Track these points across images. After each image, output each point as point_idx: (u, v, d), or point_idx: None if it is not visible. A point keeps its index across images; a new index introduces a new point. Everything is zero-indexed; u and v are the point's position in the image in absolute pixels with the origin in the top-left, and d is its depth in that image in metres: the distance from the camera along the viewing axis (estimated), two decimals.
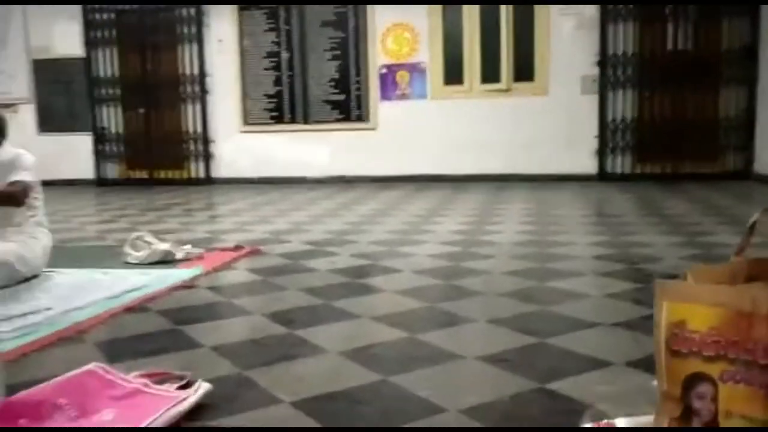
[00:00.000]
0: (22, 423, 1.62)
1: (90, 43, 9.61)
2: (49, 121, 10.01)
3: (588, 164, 8.03)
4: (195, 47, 9.27)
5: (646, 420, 1.45)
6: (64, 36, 9.76)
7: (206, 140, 9.33)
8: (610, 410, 1.66)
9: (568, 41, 7.99)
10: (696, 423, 1.29)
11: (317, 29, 8.80)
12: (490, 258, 3.77)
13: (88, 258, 3.99)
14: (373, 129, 8.72)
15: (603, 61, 7.88)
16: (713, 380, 1.27)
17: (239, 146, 9.23)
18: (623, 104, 7.95)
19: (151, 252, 3.87)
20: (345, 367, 2.13)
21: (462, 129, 8.36)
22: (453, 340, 2.35)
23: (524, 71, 8.14)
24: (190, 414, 1.77)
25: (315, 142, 8.89)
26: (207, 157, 9.35)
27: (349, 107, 8.79)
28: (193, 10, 9.19)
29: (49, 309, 2.78)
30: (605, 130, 7.97)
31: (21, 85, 10.15)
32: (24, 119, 10.00)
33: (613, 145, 8.00)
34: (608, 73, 7.91)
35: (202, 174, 9.37)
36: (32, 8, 9.77)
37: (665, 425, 1.34)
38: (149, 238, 4.01)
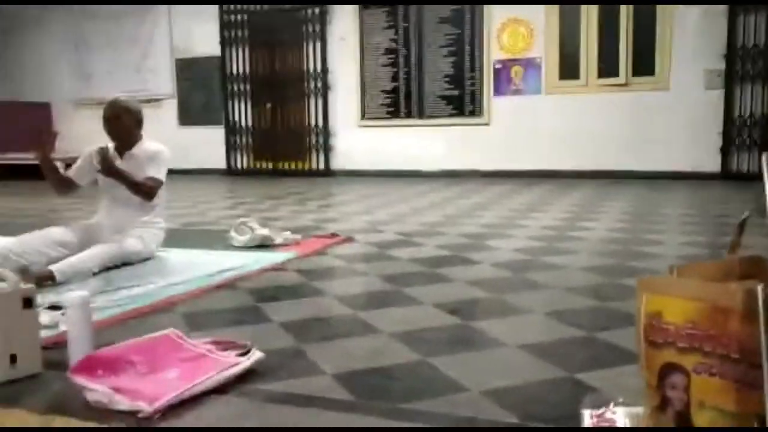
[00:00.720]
0: (99, 373, 1.92)
1: (225, 43, 10.30)
2: (188, 115, 10.84)
3: (710, 162, 7.67)
4: (318, 45, 9.70)
5: (640, 410, 1.50)
6: (203, 36, 10.52)
7: (326, 133, 9.75)
8: (631, 402, 1.71)
9: (692, 33, 7.64)
10: (669, 412, 1.34)
11: (434, 26, 8.96)
12: (572, 254, 3.78)
13: (199, 240, 4.39)
14: (486, 124, 8.77)
15: (730, 54, 7.47)
16: (686, 371, 1.31)
17: (357, 140, 9.58)
18: (752, 100, 7.50)
19: (252, 236, 4.20)
20: (391, 346, 2.29)
21: (576, 124, 8.23)
22: (501, 329, 2.45)
23: (644, 65, 7.87)
24: (242, 377, 2.00)
25: (429, 137, 9.06)
26: (327, 149, 9.77)
27: (463, 102, 8.89)
28: (317, 10, 9.62)
29: (150, 284, 3.14)
30: (731, 127, 7.57)
31: (165, 82, 11.06)
32: (166, 113, 10.89)
33: (739, 143, 7.57)
34: (736, 67, 7.48)
35: (321, 166, 9.81)
36: (176, 11, 10.61)
37: (648, 414, 1.40)
38: (252, 223, 4.35)
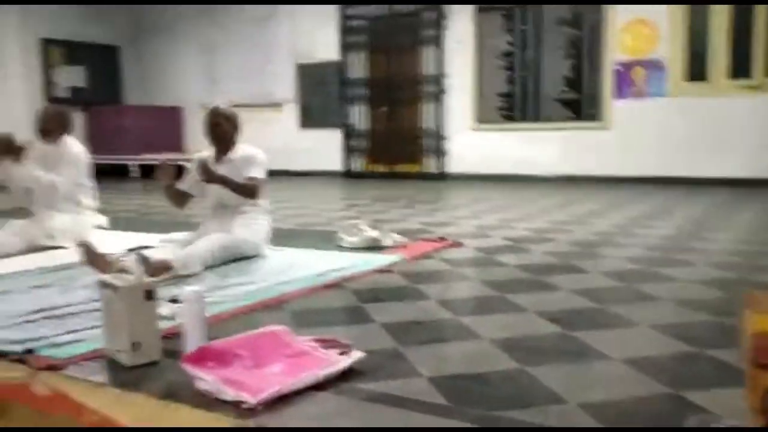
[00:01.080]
0: (209, 365, 2.04)
1: (345, 48, 10.56)
2: (308, 118, 11.19)
3: None
4: (435, 49, 9.75)
5: None
6: (324, 42, 10.83)
7: (441, 137, 9.78)
8: (738, 424, 1.63)
9: None
10: None
11: (552, 28, 8.78)
12: (689, 265, 3.60)
13: (311, 240, 4.53)
14: (605, 128, 8.49)
15: None
16: None
17: (471, 143, 9.54)
18: None
19: (361, 238, 4.30)
20: (491, 353, 2.28)
21: (702, 128, 7.81)
22: (606, 341, 2.38)
23: None
24: (341, 376, 2.06)
25: (544, 141, 8.89)
26: (441, 153, 9.80)
27: (581, 106, 8.65)
28: (434, 14, 9.67)
29: (263, 281, 3.29)
30: None
31: (286, 87, 11.48)
32: (287, 117, 11.30)
33: None
34: None
35: (435, 169, 9.85)
36: (299, 18, 10.99)
37: None
38: (362, 225, 4.45)
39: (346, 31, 10.51)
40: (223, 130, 3.89)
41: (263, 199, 4.03)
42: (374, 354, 2.24)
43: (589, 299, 2.96)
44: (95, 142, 12.60)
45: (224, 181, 3.77)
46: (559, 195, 7.23)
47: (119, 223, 5.29)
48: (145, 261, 3.06)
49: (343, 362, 2.12)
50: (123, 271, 2.29)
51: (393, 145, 10.24)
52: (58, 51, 12.29)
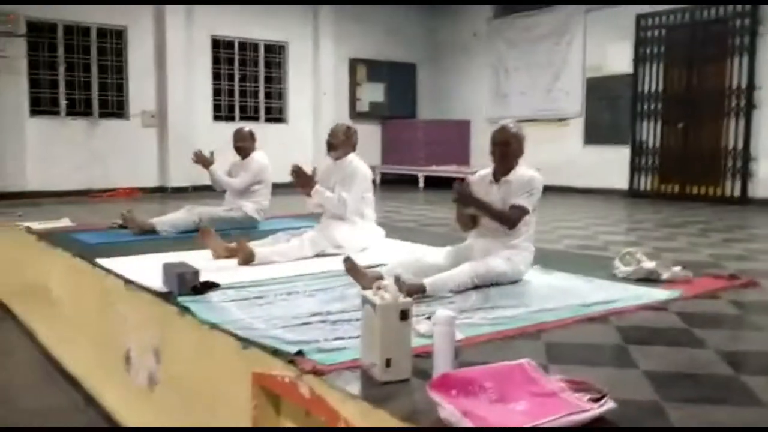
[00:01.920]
0: (453, 393, 2.03)
1: (638, 60, 9.99)
2: (594, 134, 10.81)
3: None
4: (745, 59, 8.75)
5: None
6: (616, 54, 10.38)
7: (746, 157, 8.74)
8: None
9: None
10: None
11: None
12: None
13: (582, 265, 4.32)
14: None
15: None
16: None
17: None
18: None
19: (636, 268, 3.99)
20: None
21: None
22: None
23: None
24: (587, 425, 1.92)
25: None
26: (745, 175, 8.76)
27: None
28: (747, 20, 8.69)
29: (524, 306, 3.22)
30: None
31: (574, 102, 11.22)
32: (572, 132, 11.02)
33: None
34: None
35: (736, 193, 8.84)
36: (591, 29, 10.66)
37: None
38: (639, 255, 4.13)
39: (641, 42, 9.93)
40: (510, 149, 3.82)
41: (527, 229, 3.85)
42: (629, 405, 2.05)
43: None
44: (388, 153, 13.58)
45: (482, 206, 3.72)
46: None
47: (397, 232, 5.58)
48: (398, 281, 3.18)
49: (593, 411, 1.97)
50: (380, 288, 2.39)
51: (687, 164, 9.41)
52: (363, 69, 13.46)
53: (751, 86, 8.69)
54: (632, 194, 9.94)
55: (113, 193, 10.47)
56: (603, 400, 2.03)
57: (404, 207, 9.03)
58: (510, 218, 3.72)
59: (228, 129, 12.41)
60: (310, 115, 12.71)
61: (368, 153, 13.50)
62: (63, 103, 10.45)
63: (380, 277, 3.29)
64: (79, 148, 10.47)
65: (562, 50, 11.32)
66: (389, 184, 13.19)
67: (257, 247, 4.32)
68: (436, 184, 12.14)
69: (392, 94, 13.76)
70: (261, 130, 12.85)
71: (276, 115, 12.57)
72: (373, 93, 13.62)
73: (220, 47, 11.76)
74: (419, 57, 13.94)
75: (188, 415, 2.93)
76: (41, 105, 10.29)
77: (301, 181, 4.60)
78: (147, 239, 5.17)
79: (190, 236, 5.02)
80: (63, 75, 10.42)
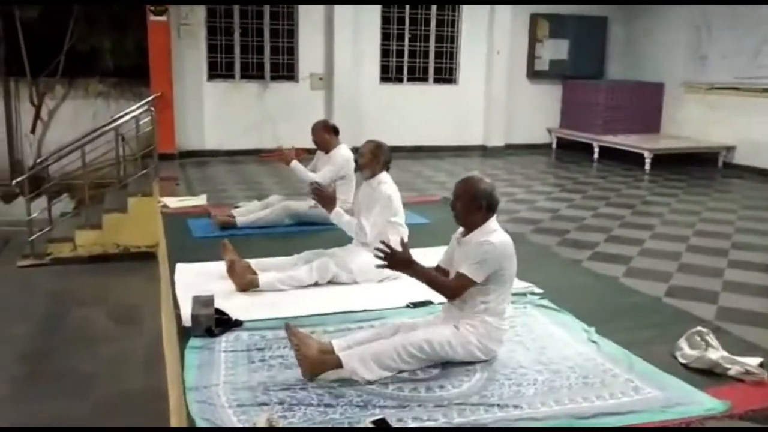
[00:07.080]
0: None
1: None
2: None
3: None
4: None
5: None
6: None
7: None
8: None
9: None
10: None
11: None
12: None
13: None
14: None
15: None
16: None
17: None
18: None
19: (699, 356, 3.28)
20: None
21: None
22: None
23: None
24: None
25: None
26: None
27: None
28: None
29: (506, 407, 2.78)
30: None
31: None
32: None
33: None
34: None
35: None
36: None
37: None
38: (709, 336, 3.39)
39: None
40: (458, 206, 3.19)
41: (486, 302, 3.13)
42: None
43: None
44: (566, 116, 12.60)
45: (415, 273, 3.12)
46: None
47: None
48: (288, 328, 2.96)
49: None
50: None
51: None
52: (545, 24, 12.48)
53: None
54: None
55: (281, 154, 10.85)
56: None
57: (541, 191, 8.30)
58: (450, 288, 3.14)
59: (395, 91, 12.42)
60: (482, 76, 12.13)
61: (545, 115, 12.63)
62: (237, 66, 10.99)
63: (329, 351, 3.00)
64: (251, 109, 11.02)
65: None
66: (564, 149, 12.29)
67: (263, 272, 4.10)
68: (612, 156, 11.06)
69: (577, 51, 12.60)
70: (429, 91, 12.65)
71: (446, 75, 12.16)
72: (555, 50, 12.59)
73: (390, 6, 11.52)
74: (612, 10, 12.56)
75: None
76: (218, 69, 10.92)
77: (322, 201, 4.41)
78: (240, 235, 5.12)
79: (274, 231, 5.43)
80: (238, 40, 10.93)
